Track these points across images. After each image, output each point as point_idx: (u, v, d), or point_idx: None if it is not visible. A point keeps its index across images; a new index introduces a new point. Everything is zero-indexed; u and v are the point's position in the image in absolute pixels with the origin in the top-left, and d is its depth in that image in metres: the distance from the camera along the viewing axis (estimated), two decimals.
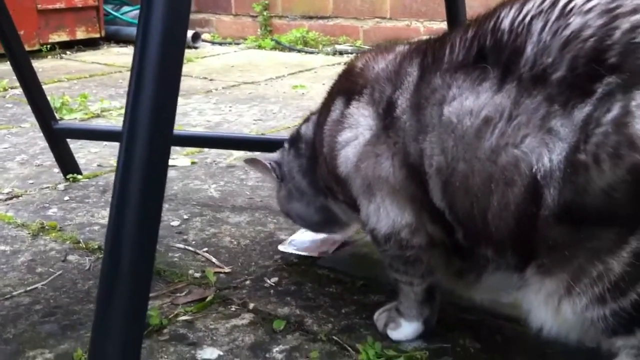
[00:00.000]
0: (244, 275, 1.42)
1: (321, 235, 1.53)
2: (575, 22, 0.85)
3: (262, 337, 1.19)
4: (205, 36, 4.87)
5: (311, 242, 1.53)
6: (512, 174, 0.88)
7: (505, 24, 0.91)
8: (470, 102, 0.92)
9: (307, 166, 1.31)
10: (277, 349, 1.16)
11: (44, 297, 1.36)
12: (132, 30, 4.78)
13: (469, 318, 1.23)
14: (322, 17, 4.51)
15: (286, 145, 1.38)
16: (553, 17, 0.87)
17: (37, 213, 1.79)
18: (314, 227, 1.42)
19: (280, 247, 1.53)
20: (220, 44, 4.77)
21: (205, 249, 1.55)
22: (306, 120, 1.36)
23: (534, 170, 0.86)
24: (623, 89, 0.80)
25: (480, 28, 0.95)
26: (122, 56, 4.35)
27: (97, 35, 4.68)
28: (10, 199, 1.91)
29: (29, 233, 1.67)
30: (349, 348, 1.15)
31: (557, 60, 0.85)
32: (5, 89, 3.33)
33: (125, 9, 4.99)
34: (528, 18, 0.89)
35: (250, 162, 1.43)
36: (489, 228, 0.94)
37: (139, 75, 0.82)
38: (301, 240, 1.55)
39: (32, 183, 2.04)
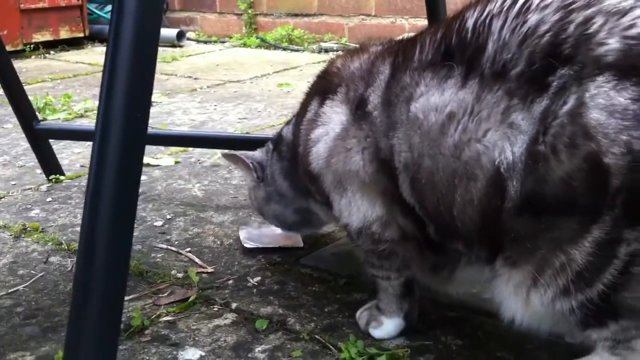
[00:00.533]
0: (226, 275, 1.42)
1: (263, 228, 1.57)
2: (533, 18, 0.88)
3: (245, 336, 1.19)
4: (190, 34, 4.85)
5: (269, 237, 1.56)
6: (474, 168, 0.91)
7: (469, 23, 0.94)
8: (435, 98, 0.95)
9: (288, 168, 1.32)
10: (260, 348, 1.15)
11: (25, 299, 1.35)
12: None
13: (451, 315, 1.23)
14: (307, 15, 4.50)
15: (270, 146, 1.39)
16: (512, 15, 0.90)
17: (19, 214, 1.78)
18: (288, 227, 1.44)
19: (247, 245, 1.54)
20: (205, 42, 4.76)
21: (189, 249, 1.55)
22: (288, 122, 1.36)
23: (496, 163, 0.89)
24: (577, 81, 0.83)
25: (447, 29, 0.98)
26: None
27: (81, 35, 4.65)
28: None
29: (11, 235, 1.65)
30: (331, 347, 1.15)
31: (515, 56, 0.88)
32: None
33: (109, 7, 4.96)
34: (489, 17, 0.92)
35: (231, 157, 1.43)
36: (455, 223, 0.96)
37: (112, 72, 0.82)
38: (257, 235, 1.58)
39: (15, 184, 2.02)
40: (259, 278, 1.40)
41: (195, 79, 3.52)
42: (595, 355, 0.94)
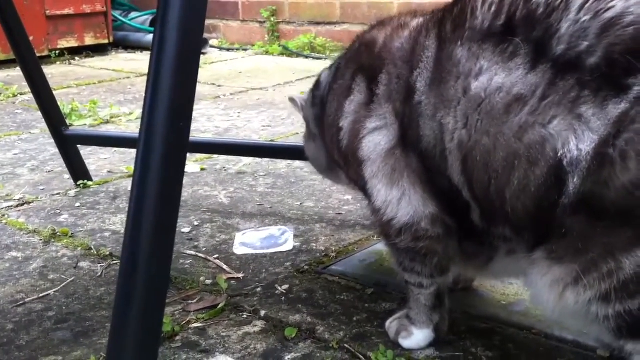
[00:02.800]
0: (255, 282, 1.43)
1: (265, 234, 1.63)
2: (618, 5, 0.82)
3: (274, 344, 1.20)
4: (212, 42, 4.88)
5: (262, 240, 1.61)
6: (536, 153, 0.86)
7: None
8: (500, 78, 0.89)
9: (319, 118, 1.31)
10: (289, 357, 1.16)
11: (56, 303, 1.36)
12: (140, 36, 4.80)
13: (481, 326, 1.23)
14: (329, 23, 4.51)
15: (310, 89, 1.38)
16: None
17: (48, 219, 1.80)
18: (323, 171, 1.43)
19: (236, 251, 1.58)
20: (228, 49, 4.79)
21: (216, 255, 1.56)
22: (330, 66, 1.32)
23: (559, 154, 0.85)
24: None
25: None
26: (130, 62, 4.36)
27: (106, 41, 4.70)
28: (22, 205, 1.92)
29: (41, 239, 1.67)
30: (360, 356, 1.15)
31: (593, 45, 0.82)
32: (14, 95, 3.35)
33: (133, 14, 5.01)
34: None
35: (290, 100, 1.49)
36: (505, 207, 0.92)
37: (155, 82, 0.83)
38: (249, 242, 1.63)
39: (43, 189, 2.05)
40: (287, 286, 1.40)
41: (219, 86, 3.54)
42: None
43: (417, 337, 1.17)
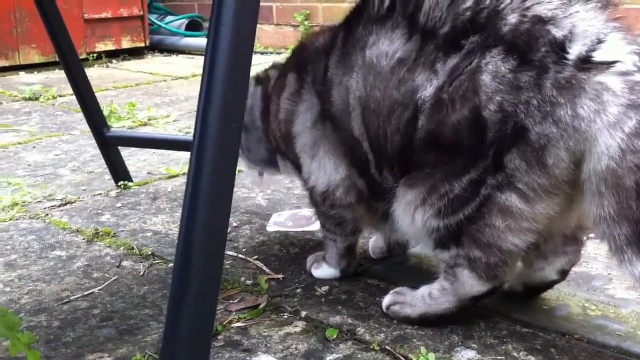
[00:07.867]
0: (294, 283, 1.44)
1: (297, 215, 1.76)
2: None
3: (315, 345, 1.21)
4: None
5: (291, 220, 1.73)
6: (407, 100, 1.12)
7: None
8: (385, 46, 1.15)
9: (264, 113, 1.46)
10: (331, 357, 1.17)
11: (100, 301, 1.39)
12: (176, 40, 4.87)
13: (522, 331, 1.22)
14: None
15: (252, 81, 1.49)
16: None
17: (90, 219, 1.84)
18: (256, 162, 1.55)
19: (268, 229, 1.70)
20: (262, 53, 4.82)
21: (256, 256, 1.57)
22: (271, 68, 1.51)
23: (416, 97, 1.10)
24: (481, 48, 1.05)
25: None
26: (166, 65, 4.42)
27: (142, 45, 4.77)
28: (64, 205, 1.96)
29: (84, 239, 1.71)
30: (402, 358, 1.15)
31: (444, 16, 1.09)
32: (54, 97, 3.41)
33: (169, 18, 5.08)
34: None
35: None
36: (387, 143, 1.17)
37: (209, 83, 0.84)
38: (281, 221, 1.76)
39: (85, 190, 2.08)
40: (326, 287, 1.41)
41: None
42: (437, 281, 1.22)
43: (325, 271, 1.44)
